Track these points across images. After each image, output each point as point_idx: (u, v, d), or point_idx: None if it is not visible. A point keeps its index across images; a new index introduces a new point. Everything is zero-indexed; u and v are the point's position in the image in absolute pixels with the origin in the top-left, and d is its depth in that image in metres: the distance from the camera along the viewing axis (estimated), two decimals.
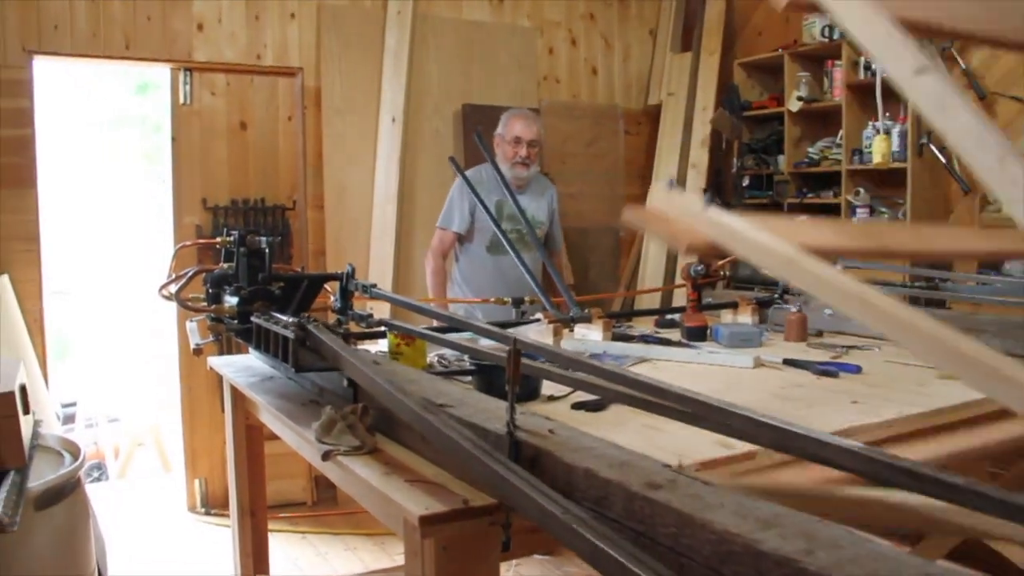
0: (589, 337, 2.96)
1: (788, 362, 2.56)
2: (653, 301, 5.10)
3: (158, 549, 4.19)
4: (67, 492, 2.16)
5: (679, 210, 1.13)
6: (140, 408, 6.63)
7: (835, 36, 4.79)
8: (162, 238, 11.27)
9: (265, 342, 2.10)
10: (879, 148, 4.39)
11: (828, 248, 1.14)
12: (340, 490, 4.63)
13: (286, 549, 4.14)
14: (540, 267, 3.77)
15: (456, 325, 2.23)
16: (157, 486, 5.36)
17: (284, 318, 2.04)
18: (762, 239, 1.04)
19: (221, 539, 4.22)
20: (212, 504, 4.65)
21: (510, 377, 1.33)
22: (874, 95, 4.57)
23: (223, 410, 4.55)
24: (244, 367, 2.65)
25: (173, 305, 2.76)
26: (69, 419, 6.11)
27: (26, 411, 2.14)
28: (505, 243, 3.46)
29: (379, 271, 4.73)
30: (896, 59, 1.02)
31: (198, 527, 4.49)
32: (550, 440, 1.32)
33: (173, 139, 4.66)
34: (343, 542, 4.26)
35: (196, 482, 4.69)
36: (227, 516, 4.38)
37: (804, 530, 0.96)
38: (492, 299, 3.31)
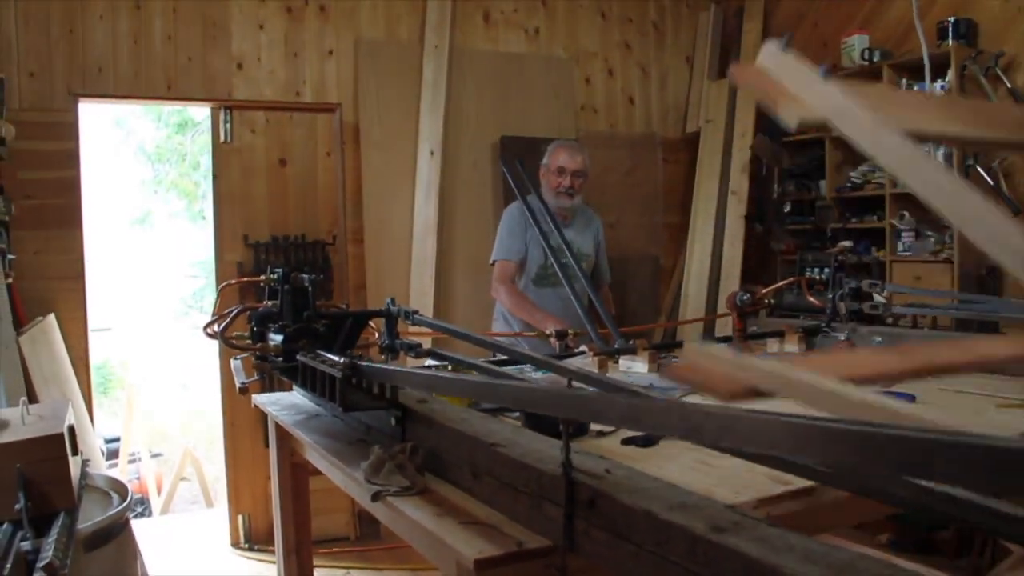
0: (634, 369, 2.92)
1: None
2: (695, 331, 5.05)
3: None
4: (115, 533, 2.16)
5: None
6: (182, 443, 6.66)
7: (875, 59, 4.74)
8: (202, 274, 11.40)
9: (311, 381, 2.09)
10: None
11: (875, 375, 1.12)
12: (383, 525, 4.61)
13: None
14: (586, 299, 3.73)
15: (507, 356, 2.20)
16: (200, 521, 5.37)
17: (333, 357, 2.03)
18: (805, 379, 1.02)
19: (266, 575, 4.21)
20: (255, 540, 4.65)
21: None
22: None
23: (266, 446, 4.58)
24: (289, 404, 2.65)
25: (215, 341, 2.77)
26: (112, 455, 6.15)
27: (75, 452, 2.14)
28: (559, 273, 3.44)
29: (419, 303, 4.72)
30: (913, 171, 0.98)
31: (242, 563, 4.47)
32: (607, 481, 1.29)
33: (215, 177, 4.71)
34: None
35: (239, 518, 4.69)
36: (271, 551, 4.38)
37: None
38: (535, 333, 3.28)
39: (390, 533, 4.54)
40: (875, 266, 4.78)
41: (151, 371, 11.26)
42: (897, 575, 0.92)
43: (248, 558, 4.52)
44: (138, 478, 6.18)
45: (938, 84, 4.30)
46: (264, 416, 4.28)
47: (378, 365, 1.85)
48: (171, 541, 4.80)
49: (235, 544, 4.67)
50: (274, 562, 4.08)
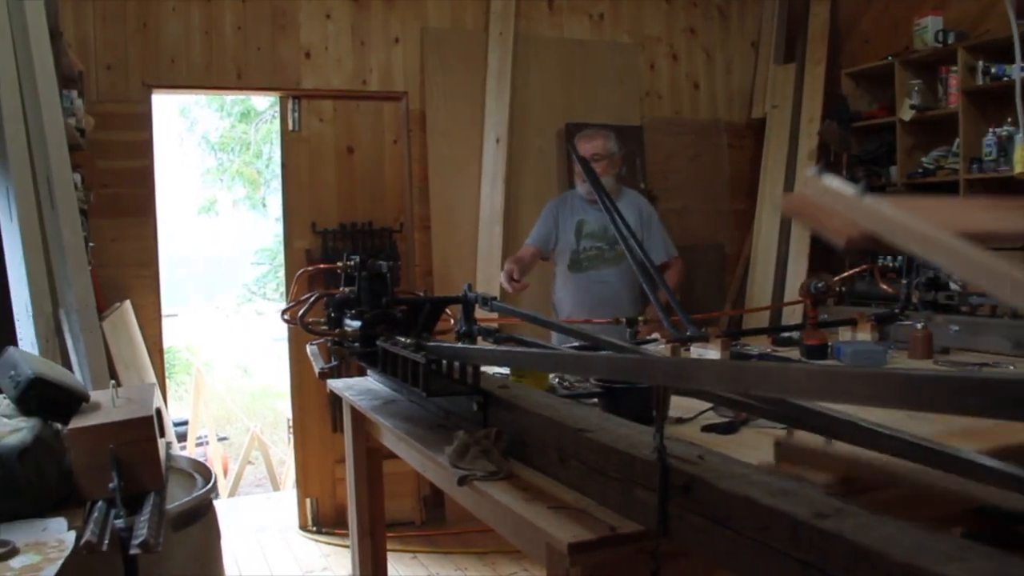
0: (707, 357, 2.90)
1: None
2: (760, 319, 5.00)
3: (275, 568, 4.26)
4: (202, 513, 2.20)
5: (834, 200, 1.05)
6: (248, 426, 6.79)
7: (949, 41, 4.63)
8: (265, 260, 11.57)
9: (392, 366, 2.11)
10: (1021, 157, 4.18)
11: (994, 234, 1.06)
12: (448, 510, 4.66)
13: (398, 569, 4.16)
14: (638, 284, 3.71)
15: (593, 343, 2.20)
16: (268, 504, 5.47)
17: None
18: (923, 229, 0.97)
19: (336, 558, 4.28)
20: (323, 523, 4.72)
21: (659, 402, 1.31)
22: (993, 101, 4.40)
23: (334, 430, 4.64)
24: (365, 390, 2.68)
25: (282, 327, 2.80)
26: (180, 438, 6.29)
27: (162, 434, 2.19)
28: (593, 258, 3.45)
29: (486, 290, 4.71)
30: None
31: (312, 546, 4.54)
32: (701, 467, 1.28)
33: (283, 165, 4.78)
34: (453, 562, 4.26)
35: (307, 501, 4.76)
36: (339, 535, 4.46)
37: (992, 566, 0.91)
38: (610, 319, 3.29)
39: (456, 518, 4.59)
40: None
41: (216, 355, 11.50)
42: (1009, 563, 0.91)
43: (318, 541, 4.59)
44: (205, 461, 6.30)
45: (1017, 67, 4.17)
46: (333, 401, 4.33)
47: (455, 344, 1.86)
48: (241, 523, 4.89)
49: (303, 527, 4.74)
50: (344, 545, 4.15)
